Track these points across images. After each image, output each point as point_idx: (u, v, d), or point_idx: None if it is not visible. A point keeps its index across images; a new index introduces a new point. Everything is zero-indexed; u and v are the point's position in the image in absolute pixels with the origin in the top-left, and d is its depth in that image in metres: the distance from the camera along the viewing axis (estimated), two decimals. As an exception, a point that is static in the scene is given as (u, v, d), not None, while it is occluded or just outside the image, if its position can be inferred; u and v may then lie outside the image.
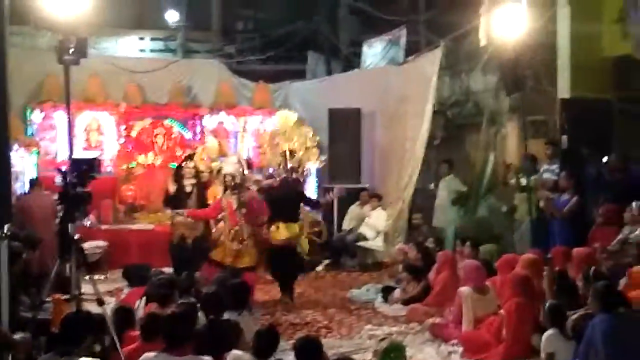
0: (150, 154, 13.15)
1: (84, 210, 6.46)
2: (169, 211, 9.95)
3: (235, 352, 5.40)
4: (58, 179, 6.19)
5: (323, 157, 13.00)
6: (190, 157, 10.08)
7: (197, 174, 9.86)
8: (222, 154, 12.27)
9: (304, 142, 12.36)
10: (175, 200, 9.62)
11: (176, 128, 13.37)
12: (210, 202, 9.88)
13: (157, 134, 13.25)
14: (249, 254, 8.95)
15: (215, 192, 10.96)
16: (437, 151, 12.67)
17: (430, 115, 11.66)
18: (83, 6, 8.41)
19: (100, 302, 5.82)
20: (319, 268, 11.74)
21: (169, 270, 9.25)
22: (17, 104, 12.46)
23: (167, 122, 13.32)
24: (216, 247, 8.99)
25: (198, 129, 13.41)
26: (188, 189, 9.60)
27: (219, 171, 10.87)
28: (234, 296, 6.64)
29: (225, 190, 9.11)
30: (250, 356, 5.31)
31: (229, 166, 9.16)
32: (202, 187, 9.84)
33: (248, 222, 8.95)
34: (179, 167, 9.85)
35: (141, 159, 13.11)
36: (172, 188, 9.64)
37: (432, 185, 11.88)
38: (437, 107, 12.11)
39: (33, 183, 9.87)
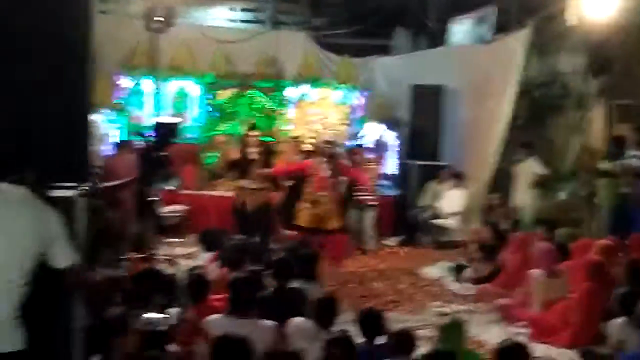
0: (234, 124, 13.29)
1: (163, 173, 6.62)
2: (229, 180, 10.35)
3: (298, 319, 5.48)
4: (139, 142, 6.37)
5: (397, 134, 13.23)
6: (253, 126, 10.24)
7: (262, 142, 10.02)
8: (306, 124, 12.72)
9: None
10: (239, 167, 9.86)
11: (260, 98, 13.46)
12: None
13: (240, 104, 13.38)
14: (336, 217, 9.27)
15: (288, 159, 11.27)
16: (521, 132, 12.42)
17: (514, 95, 11.45)
18: (173, -25, 8.61)
19: (172, 263, 6.00)
20: (392, 243, 11.84)
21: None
22: (109, 69, 12.89)
23: (251, 91, 13.43)
24: (297, 212, 9.33)
25: (281, 99, 13.49)
26: (253, 156, 9.80)
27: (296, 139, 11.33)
28: (302, 265, 6.72)
29: (316, 155, 9.40)
30: (313, 324, 5.39)
31: (324, 134, 9.45)
32: (267, 154, 10.04)
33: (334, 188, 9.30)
34: (244, 136, 10.05)
35: (225, 127, 13.33)
36: (234, 155, 9.87)
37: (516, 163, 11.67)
38: (522, 88, 11.86)
39: (119, 145, 10.16)
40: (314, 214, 9.12)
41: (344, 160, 11.48)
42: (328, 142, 9.34)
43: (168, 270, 6.13)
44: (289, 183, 10.69)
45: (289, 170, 9.95)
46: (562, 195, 11.57)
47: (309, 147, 11.96)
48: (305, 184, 9.47)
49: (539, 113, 12.64)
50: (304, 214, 9.17)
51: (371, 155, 12.18)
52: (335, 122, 13.26)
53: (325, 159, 9.25)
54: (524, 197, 11.30)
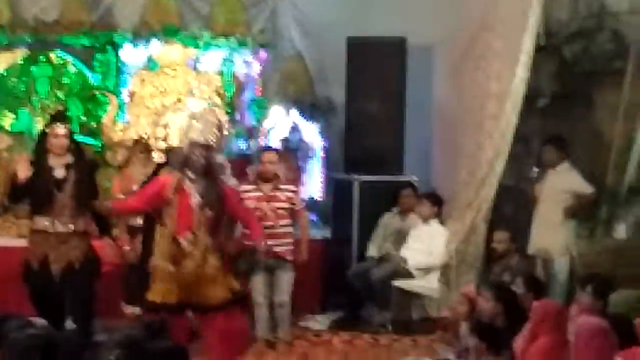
0: (25, 113, 13.28)
1: None
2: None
3: None
4: None
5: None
6: (60, 117, 10.09)
7: (76, 147, 10.04)
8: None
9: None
10: (35, 194, 9.75)
11: (72, 66, 13.48)
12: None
13: (37, 77, 13.35)
14: (219, 282, 9.19)
15: (133, 176, 11.20)
16: (543, 119, 12.61)
17: (530, 54, 11.55)
18: None
19: None
20: (318, 326, 11.83)
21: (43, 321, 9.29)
22: None
23: (56, 54, 13.45)
24: (154, 278, 9.25)
25: (112, 69, 13.46)
26: (58, 173, 9.66)
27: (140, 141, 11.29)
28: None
29: (182, 167, 9.30)
30: None
31: (198, 128, 9.27)
32: (87, 168, 10.08)
33: (213, 231, 9.23)
34: (45, 135, 9.89)
35: (8, 121, 13.30)
36: (23, 173, 9.65)
37: (532, 175, 11.73)
38: (544, 41, 11.97)
39: None
40: (179, 279, 8.98)
41: (229, 178, 11.42)
42: (198, 144, 9.21)
43: None
44: (138, 222, 10.70)
45: (137, 206, 9.75)
46: (621, 232, 11.67)
47: (160, 156, 11.88)
48: (160, 222, 9.36)
49: (575, 85, 12.80)
50: (160, 281, 9.04)
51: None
52: (209, 107, 13.11)
53: (193, 174, 9.15)
54: (552, 237, 11.42)
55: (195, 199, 9.13)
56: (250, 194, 11.04)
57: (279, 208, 11.04)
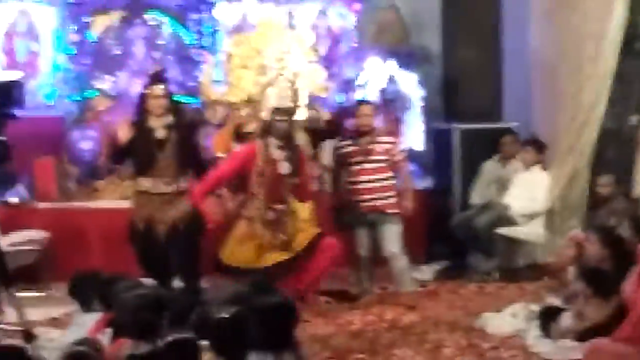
0: (123, 75, 13.35)
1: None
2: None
3: None
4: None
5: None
6: (158, 78, 10.23)
7: (175, 107, 10.17)
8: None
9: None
10: (137, 155, 9.94)
11: (168, 26, 13.56)
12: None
13: (133, 37, 13.43)
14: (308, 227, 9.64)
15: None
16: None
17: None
18: None
19: (29, 337, 6.00)
20: (424, 276, 11.94)
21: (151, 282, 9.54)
22: None
23: (151, 15, 13.49)
24: (231, 240, 9.59)
25: (207, 27, 13.56)
26: (159, 134, 9.85)
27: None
28: (265, 325, 6.71)
29: (263, 136, 9.39)
30: None
31: (274, 94, 9.38)
32: (188, 129, 10.24)
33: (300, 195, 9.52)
34: (143, 97, 10.08)
35: (107, 85, 13.37)
36: (124, 135, 9.82)
37: (632, 122, 11.71)
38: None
39: None
40: (266, 243, 9.15)
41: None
42: (279, 109, 9.31)
43: (25, 348, 6.11)
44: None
45: (227, 174, 9.88)
46: None
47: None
48: (250, 191, 9.47)
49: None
50: (241, 244, 9.23)
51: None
52: (307, 64, 13.14)
53: (278, 141, 9.25)
54: (658, 178, 11.37)
55: (283, 167, 9.26)
56: (347, 148, 11.02)
57: (376, 161, 10.98)
